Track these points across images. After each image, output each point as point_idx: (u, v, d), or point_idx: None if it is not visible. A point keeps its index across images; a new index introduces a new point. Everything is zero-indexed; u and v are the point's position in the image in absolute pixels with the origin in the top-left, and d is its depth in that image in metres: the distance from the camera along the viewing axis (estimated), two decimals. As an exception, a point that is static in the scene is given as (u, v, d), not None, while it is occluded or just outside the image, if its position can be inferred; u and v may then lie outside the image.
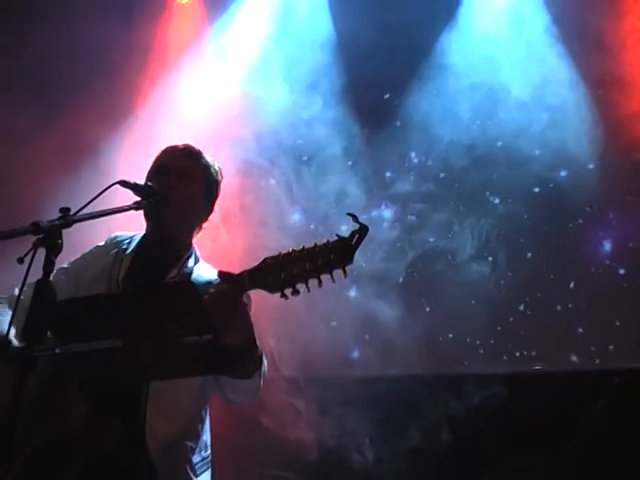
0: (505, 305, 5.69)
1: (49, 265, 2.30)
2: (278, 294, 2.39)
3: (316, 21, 6.76)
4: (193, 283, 2.50)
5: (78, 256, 3.09)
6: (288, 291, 2.37)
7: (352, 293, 5.82)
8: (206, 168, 3.12)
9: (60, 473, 2.52)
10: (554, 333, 5.51)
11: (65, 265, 3.02)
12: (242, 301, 2.50)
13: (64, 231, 2.36)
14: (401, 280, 5.82)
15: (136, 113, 6.48)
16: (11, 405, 2.15)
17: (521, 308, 5.66)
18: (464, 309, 5.55)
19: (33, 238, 2.30)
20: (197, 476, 2.80)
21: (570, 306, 5.56)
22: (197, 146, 3.18)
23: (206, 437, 2.92)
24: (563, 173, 5.86)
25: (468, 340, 5.67)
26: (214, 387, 2.87)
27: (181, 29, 6.83)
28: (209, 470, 2.91)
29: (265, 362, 2.79)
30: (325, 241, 2.36)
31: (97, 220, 2.54)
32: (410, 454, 5.04)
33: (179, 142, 3.20)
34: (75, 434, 2.52)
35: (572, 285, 5.61)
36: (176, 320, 2.34)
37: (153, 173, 3.08)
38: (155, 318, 2.35)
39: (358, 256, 2.34)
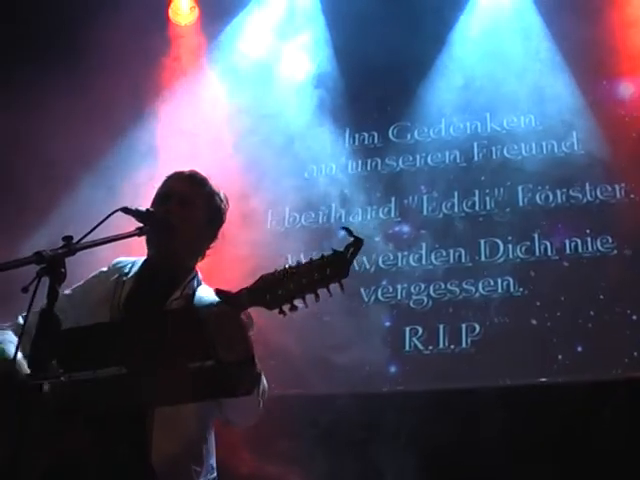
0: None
1: (53, 294, 2.33)
2: (276, 310, 2.40)
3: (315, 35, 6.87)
4: (194, 309, 2.52)
5: (81, 282, 3.11)
6: (286, 307, 2.38)
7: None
8: (209, 195, 3.14)
9: None
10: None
11: (68, 292, 3.01)
12: (241, 319, 2.50)
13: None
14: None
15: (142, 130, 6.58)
16: (18, 433, 2.17)
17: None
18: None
19: (37, 267, 2.34)
20: None
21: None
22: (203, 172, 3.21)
23: (212, 460, 2.93)
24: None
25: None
26: (215, 408, 2.88)
27: (182, 50, 6.91)
28: None
29: (264, 382, 2.79)
30: (320, 255, 2.36)
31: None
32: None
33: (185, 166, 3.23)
34: (82, 459, 2.54)
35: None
36: (178, 346, 2.36)
37: (156, 199, 3.12)
38: (158, 345, 2.37)
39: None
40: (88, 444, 2.54)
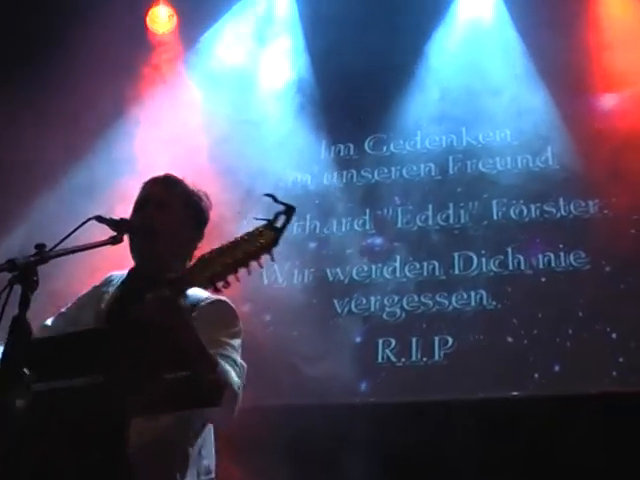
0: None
1: (25, 302, 2.29)
2: (212, 288, 2.35)
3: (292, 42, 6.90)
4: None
5: (74, 300, 3.11)
6: (220, 284, 2.33)
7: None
8: (186, 195, 3.11)
9: None
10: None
11: (63, 310, 3.06)
12: (179, 304, 2.47)
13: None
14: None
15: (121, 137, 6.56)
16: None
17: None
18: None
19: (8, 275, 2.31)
20: None
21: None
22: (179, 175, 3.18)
23: (206, 462, 2.88)
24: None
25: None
26: (198, 411, 2.83)
27: (161, 58, 6.90)
28: None
29: (232, 374, 2.74)
30: (254, 228, 2.30)
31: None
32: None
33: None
34: (57, 466, 2.51)
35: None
36: (152, 356, 2.33)
37: (135, 206, 3.10)
38: (134, 354, 2.34)
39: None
40: (63, 450, 2.50)
